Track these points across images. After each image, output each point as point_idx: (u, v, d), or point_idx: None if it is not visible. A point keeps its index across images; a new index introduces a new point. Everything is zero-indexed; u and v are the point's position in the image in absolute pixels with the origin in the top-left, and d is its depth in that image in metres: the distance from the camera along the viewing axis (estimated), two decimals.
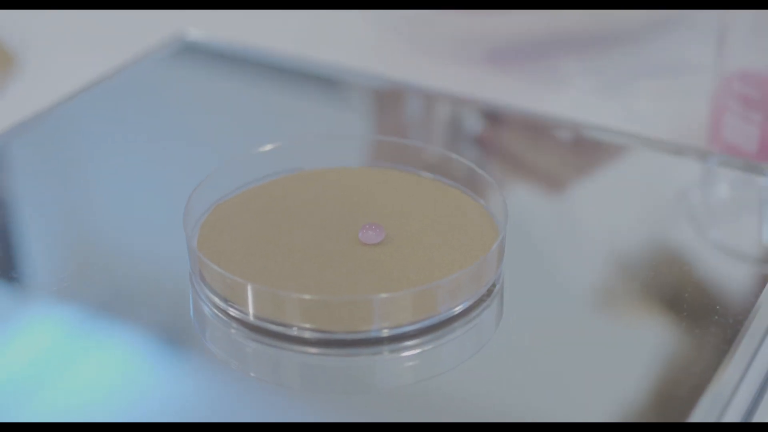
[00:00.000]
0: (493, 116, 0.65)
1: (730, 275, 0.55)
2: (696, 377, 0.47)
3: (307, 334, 0.48)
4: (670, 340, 0.50)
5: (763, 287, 0.52)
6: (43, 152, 0.64)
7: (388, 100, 0.69)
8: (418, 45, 0.75)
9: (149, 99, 0.69)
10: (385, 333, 0.48)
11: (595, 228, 0.58)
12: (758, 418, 0.48)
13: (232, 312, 0.49)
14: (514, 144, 0.63)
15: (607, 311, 0.52)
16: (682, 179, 0.61)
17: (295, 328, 0.48)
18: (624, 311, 0.52)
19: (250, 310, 0.49)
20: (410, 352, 0.48)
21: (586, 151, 0.62)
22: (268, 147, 0.56)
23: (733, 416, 0.46)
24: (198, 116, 0.67)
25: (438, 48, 0.74)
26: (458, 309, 0.49)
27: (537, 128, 0.64)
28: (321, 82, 0.70)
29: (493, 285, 0.51)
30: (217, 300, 0.50)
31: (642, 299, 0.53)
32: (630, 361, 0.49)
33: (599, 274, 0.54)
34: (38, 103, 0.66)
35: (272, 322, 0.48)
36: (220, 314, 0.50)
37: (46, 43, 0.73)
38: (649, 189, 0.60)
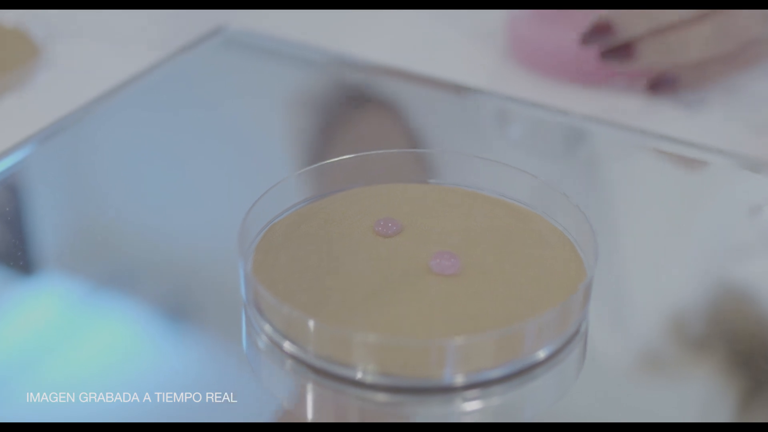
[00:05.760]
0: None
1: None
2: None
3: (372, 378, 0.43)
4: (745, 373, 0.46)
5: None
6: (84, 150, 0.59)
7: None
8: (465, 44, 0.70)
9: (191, 92, 0.64)
10: (460, 380, 0.43)
11: (682, 256, 0.53)
12: None
13: (289, 348, 0.44)
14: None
15: (694, 356, 0.48)
16: (758, 195, 0.56)
17: (359, 371, 0.43)
18: (711, 353, 0.48)
19: (311, 348, 0.44)
20: (487, 400, 0.43)
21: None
22: (334, 160, 0.51)
23: None
24: (242, 111, 0.62)
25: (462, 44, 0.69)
26: (542, 354, 0.44)
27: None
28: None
29: (579, 326, 0.45)
30: (273, 333, 0.45)
31: (723, 336, 0.48)
32: (717, 408, 0.44)
33: (686, 312, 0.50)
34: (78, 98, 0.61)
35: (334, 363, 0.43)
36: (275, 348, 0.45)
37: (79, 39, 0.69)
38: (726, 204, 0.56)
